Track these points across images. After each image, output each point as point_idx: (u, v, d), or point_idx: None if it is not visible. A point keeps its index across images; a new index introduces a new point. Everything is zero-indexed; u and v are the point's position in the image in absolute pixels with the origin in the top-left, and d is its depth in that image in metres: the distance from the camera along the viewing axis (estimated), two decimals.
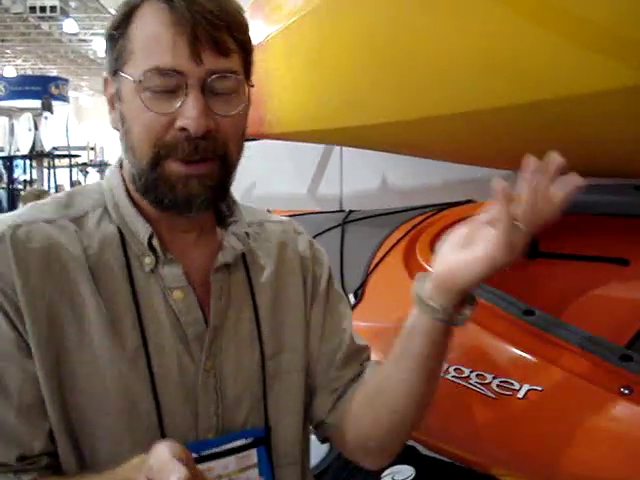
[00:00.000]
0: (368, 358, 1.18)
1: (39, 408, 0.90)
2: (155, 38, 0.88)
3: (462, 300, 0.97)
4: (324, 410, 1.13)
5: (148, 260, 0.96)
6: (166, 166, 0.90)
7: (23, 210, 0.98)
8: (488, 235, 0.89)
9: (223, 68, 0.90)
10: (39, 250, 0.91)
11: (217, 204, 1.01)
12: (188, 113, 0.87)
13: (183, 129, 0.88)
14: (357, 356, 1.15)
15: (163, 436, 0.94)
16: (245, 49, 0.95)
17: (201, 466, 0.93)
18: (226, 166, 0.95)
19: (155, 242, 0.96)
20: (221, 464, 0.98)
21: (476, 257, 0.90)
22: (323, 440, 1.18)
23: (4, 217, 0.95)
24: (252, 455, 1.01)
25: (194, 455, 0.93)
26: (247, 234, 1.06)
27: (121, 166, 1.02)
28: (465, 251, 0.92)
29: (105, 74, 0.97)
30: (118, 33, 0.91)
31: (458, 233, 0.96)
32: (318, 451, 2.13)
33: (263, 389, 1.04)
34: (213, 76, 0.89)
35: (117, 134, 0.97)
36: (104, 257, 0.95)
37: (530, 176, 0.87)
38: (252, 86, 0.97)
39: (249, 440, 1.02)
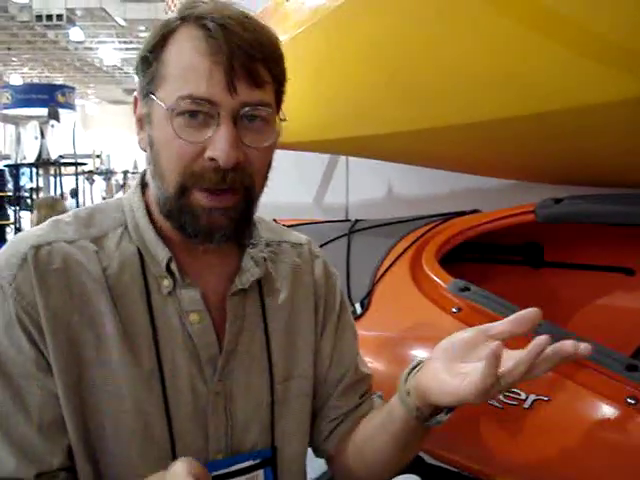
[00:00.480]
0: (369, 388, 1.19)
1: (59, 425, 0.91)
2: (191, 66, 0.87)
3: (438, 408, 0.96)
4: (320, 437, 1.16)
5: (166, 283, 0.96)
6: (192, 196, 0.90)
7: (45, 228, 0.97)
8: (473, 370, 0.86)
9: (257, 100, 0.89)
10: (60, 271, 0.92)
11: (239, 235, 0.99)
12: (219, 144, 0.87)
13: (212, 159, 0.88)
14: (358, 387, 1.16)
15: (174, 456, 0.95)
16: (278, 81, 0.94)
17: None
18: (250, 198, 0.94)
19: (173, 266, 0.96)
20: None
21: (451, 388, 0.88)
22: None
23: (26, 235, 0.96)
24: (259, 476, 1.03)
25: None
26: (264, 258, 1.05)
27: (143, 185, 1.02)
28: (447, 374, 0.90)
29: (135, 94, 0.97)
30: (152, 56, 0.91)
31: (458, 339, 0.94)
32: (322, 461, 2.13)
33: (271, 412, 1.04)
34: (246, 108, 0.88)
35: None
36: (123, 278, 0.95)
37: (534, 353, 0.82)
38: (283, 120, 0.97)
39: (257, 461, 1.03)
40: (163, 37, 0.90)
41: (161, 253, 0.96)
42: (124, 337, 0.93)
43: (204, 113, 0.87)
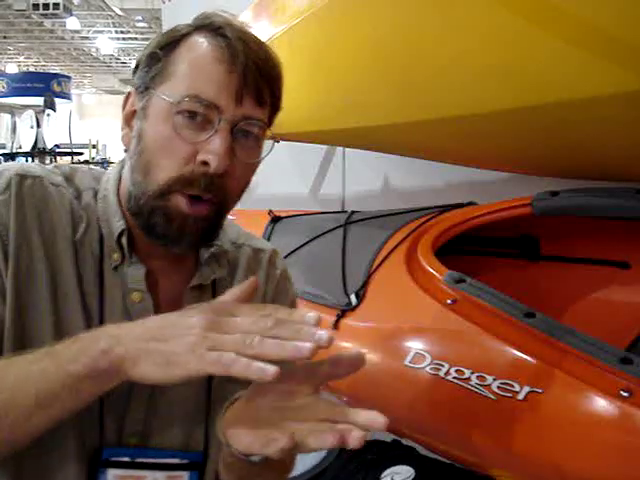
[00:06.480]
0: None
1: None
2: (204, 68, 0.89)
3: None
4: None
5: (115, 256, 0.97)
6: (172, 199, 0.90)
7: (34, 165, 0.99)
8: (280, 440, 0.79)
9: (257, 117, 0.92)
10: (38, 205, 0.94)
11: (203, 244, 1.00)
12: (214, 148, 0.87)
13: (204, 163, 0.88)
14: None
15: (101, 420, 0.95)
16: (274, 105, 0.96)
17: (132, 472, 0.96)
18: (221, 211, 0.95)
19: (124, 240, 0.96)
20: (151, 476, 0.98)
21: (244, 446, 0.83)
22: None
23: (16, 164, 0.97)
24: (183, 477, 1.00)
25: (126, 459, 0.96)
26: (228, 261, 1.06)
27: (120, 175, 1.02)
28: (247, 429, 0.83)
29: (130, 89, 0.97)
30: (162, 53, 0.92)
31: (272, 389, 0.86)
32: (312, 456, 2.14)
33: (206, 414, 1.02)
34: (246, 121, 0.90)
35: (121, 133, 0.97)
36: (86, 239, 0.97)
37: None
38: (278, 141, 0.99)
39: (184, 461, 1.00)
40: (177, 39, 0.92)
41: (116, 224, 0.97)
42: (75, 293, 0.94)
43: (204, 116, 0.88)
